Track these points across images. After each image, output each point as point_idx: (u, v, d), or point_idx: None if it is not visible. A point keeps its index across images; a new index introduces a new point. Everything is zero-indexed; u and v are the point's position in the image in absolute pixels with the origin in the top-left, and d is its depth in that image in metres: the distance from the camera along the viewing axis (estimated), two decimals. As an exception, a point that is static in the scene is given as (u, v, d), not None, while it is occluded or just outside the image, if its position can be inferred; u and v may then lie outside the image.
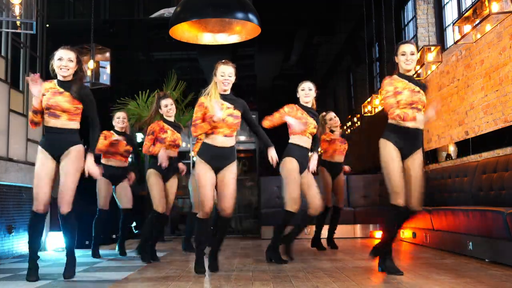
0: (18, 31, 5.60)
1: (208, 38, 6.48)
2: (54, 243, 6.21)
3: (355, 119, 12.76)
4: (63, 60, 3.78)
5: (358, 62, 12.81)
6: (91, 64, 7.36)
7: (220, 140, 4.01)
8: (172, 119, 4.99)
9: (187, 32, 6.32)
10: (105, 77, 7.42)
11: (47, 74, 6.67)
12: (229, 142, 4.05)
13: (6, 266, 4.77)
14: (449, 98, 7.16)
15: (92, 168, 3.84)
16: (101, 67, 7.53)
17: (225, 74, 4.08)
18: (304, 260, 4.83)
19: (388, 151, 3.82)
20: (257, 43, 10.55)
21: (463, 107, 6.68)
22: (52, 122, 3.77)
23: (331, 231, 6.13)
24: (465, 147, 6.65)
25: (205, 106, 4.02)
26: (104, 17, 10.69)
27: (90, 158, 3.86)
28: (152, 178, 4.84)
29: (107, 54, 7.57)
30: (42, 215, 3.79)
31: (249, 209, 11.20)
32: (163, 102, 4.93)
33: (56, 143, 3.77)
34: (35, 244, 3.87)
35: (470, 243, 4.75)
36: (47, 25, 6.85)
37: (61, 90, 3.79)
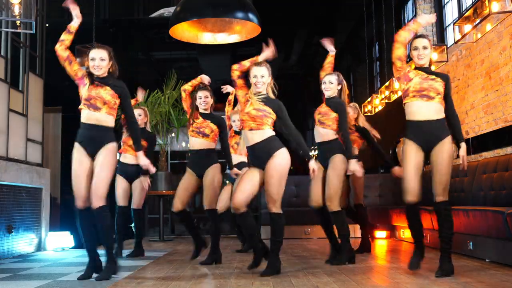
0: (18, 30, 5.60)
1: (208, 37, 6.48)
2: (54, 243, 6.21)
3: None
4: (96, 60, 3.84)
5: (358, 62, 12.81)
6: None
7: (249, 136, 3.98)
8: (207, 112, 4.78)
9: (187, 31, 6.32)
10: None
11: (46, 74, 6.69)
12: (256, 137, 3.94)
13: (6, 266, 4.77)
14: (449, 97, 7.14)
15: (147, 164, 3.99)
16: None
17: (258, 76, 3.97)
18: (304, 260, 4.82)
19: (405, 148, 3.79)
20: (257, 43, 10.54)
21: (464, 106, 6.68)
22: (90, 115, 3.79)
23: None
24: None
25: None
26: (104, 17, 10.69)
27: (142, 156, 3.98)
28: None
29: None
30: (84, 210, 3.78)
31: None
32: (197, 94, 4.79)
33: (94, 140, 3.80)
34: (89, 242, 3.85)
35: (470, 243, 4.74)
36: (47, 25, 6.84)
37: (102, 84, 3.86)
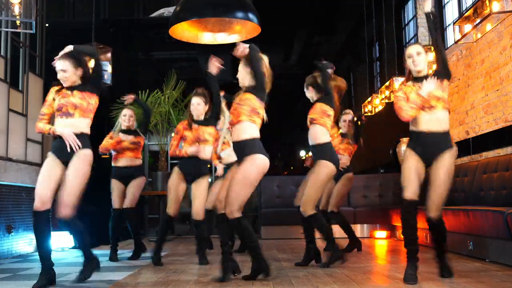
0: (18, 30, 5.59)
1: (208, 37, 6.47)
2: (54, 243, 6.19)
3: (355, 119, 12.76)
4: (59, 72, 3.70)
5: (359, 62, 12.82)
6: (92, 63, 7.35)
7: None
8: (201, 118, 4.88)
9: (187, 31, 6.31)
10: (106, 76, 7.40)
11: (46, 74, 6.69)
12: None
13: (6, 266, 4.77)
14: (449, 97, 7.13)
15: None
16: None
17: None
18: (304, 260, 4.81)
19: (405, 156, 3.64)
20: (257, 43, 10.53)
21: (464, 106, 6.68)
22: (64, 123, 3.62)
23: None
24: (465, 146, 6.65)
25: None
26: (103, 17, 10.69)
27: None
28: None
29: (109, 54, 7.53)
30: (42, 212, 3.57)
31: (248, 208, 11.17)
32: (191, 100, 4.97)
33: (66, 147, 3.60)
34: (44, 249, 3.63)
35: (470, 243, 4.74)
36: (47, 25, 6.83)
37: (70, 91, 3.69)
